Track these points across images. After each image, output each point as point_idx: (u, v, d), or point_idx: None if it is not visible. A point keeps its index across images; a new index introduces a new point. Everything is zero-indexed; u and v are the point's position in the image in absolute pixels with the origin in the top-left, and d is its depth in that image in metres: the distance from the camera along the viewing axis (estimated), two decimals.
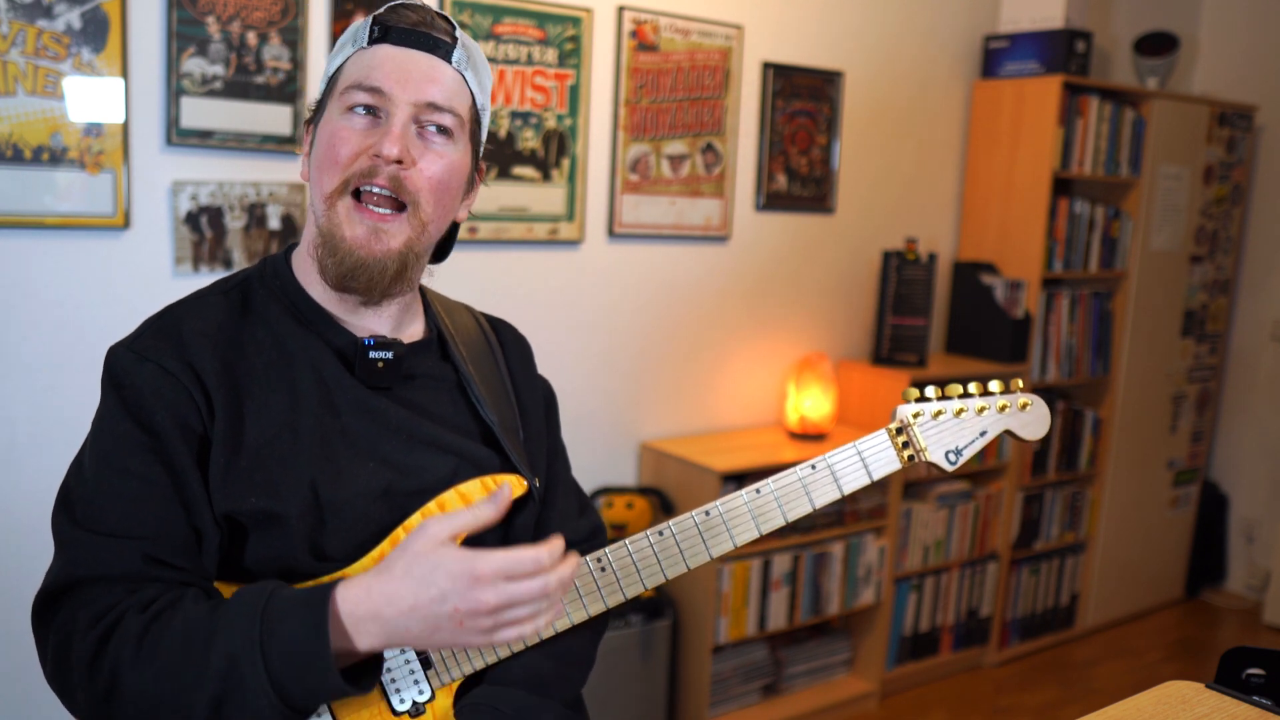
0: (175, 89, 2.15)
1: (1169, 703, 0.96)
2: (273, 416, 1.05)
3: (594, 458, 2.87)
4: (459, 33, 1.11)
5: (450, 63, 1.08)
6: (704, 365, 3.08)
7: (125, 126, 2.11)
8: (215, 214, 2.22)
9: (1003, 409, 1.18)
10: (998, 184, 3.53)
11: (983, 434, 1.17)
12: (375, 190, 1.05)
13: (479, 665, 1.08)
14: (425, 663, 1.06)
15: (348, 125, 1.05)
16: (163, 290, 2.19)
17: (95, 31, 2.05)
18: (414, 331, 1.18)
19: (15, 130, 2.00)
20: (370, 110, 1.05)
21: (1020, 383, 1.20)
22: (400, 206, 1.06)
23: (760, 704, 3.01)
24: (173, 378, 1.02)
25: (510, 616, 0.91)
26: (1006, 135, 3.49)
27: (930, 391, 1.17)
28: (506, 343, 1.30)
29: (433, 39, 1.07)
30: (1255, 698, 0.98)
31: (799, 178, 3.17)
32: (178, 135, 2.16)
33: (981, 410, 1.17)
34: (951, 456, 1.16)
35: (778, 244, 3.17)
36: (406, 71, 1.05)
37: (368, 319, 1.13)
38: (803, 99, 3.14)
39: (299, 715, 0.92)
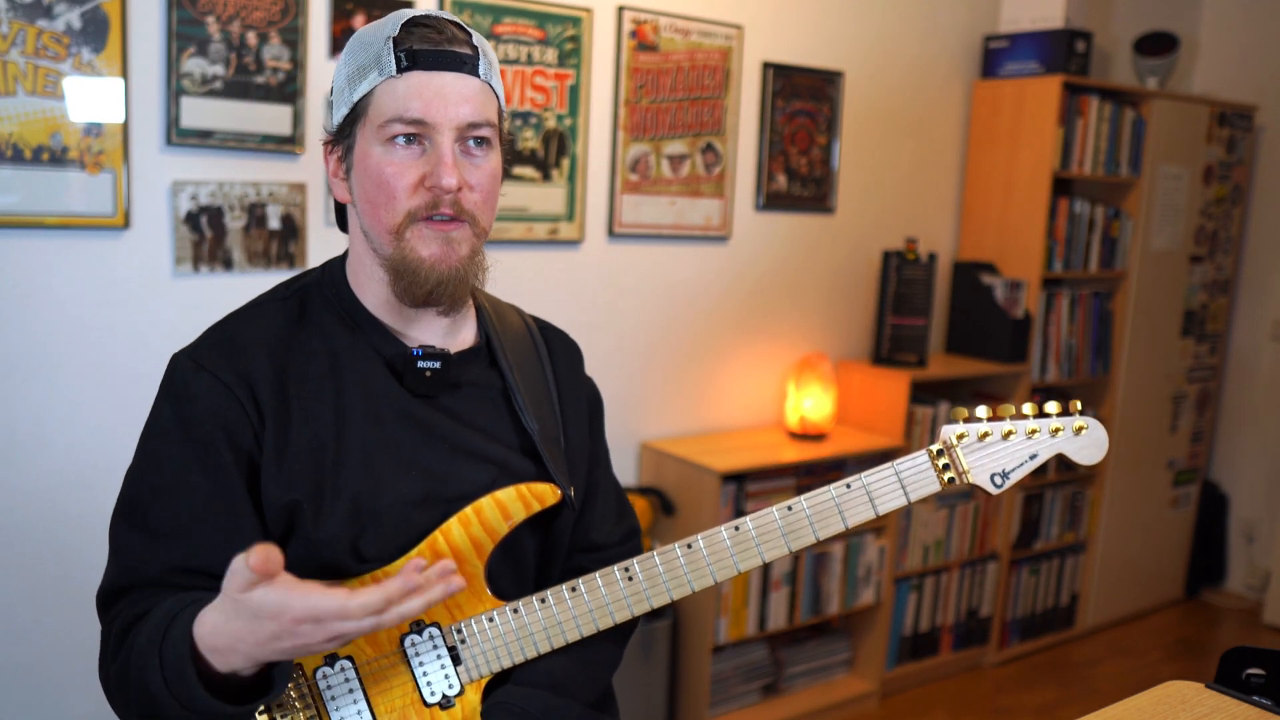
0: (175, 89, 2.15)
1: (1169, 703, 0.96)
2: (319, 426, 1.11)
3: None
4: (475, 38, 1.13)
5: (478, 76, 1.11)
6: (704, 365, 3.08)
7: (125, 126, 2.11)
8: (215, 214, 2.22)
9: (1056, 432, 1.14)
10: (998, 184, 3.54)
11: (1033, 457, 1.14)
12: (438, 218, 1.10)
13: (506, 664, 1.14)
14: (455, 658, 1.12)
15: (394, 159, 1.09)
16: (163, 290, 2.20)
17: (95, 31, 2.05)
18: (465, 338, 1.22)
19: (15, 130, 2.00)
20: (411, 139, 1.09)
21: (1079, 404, 1.16)
22: (459, 219, 1.12)
23: (760, 704, 3.01)
24: (226, 388, 1.08)
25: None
26: (1006, 135, 3.50)
27: (981, 411, 1.14)
28: (555, 349, 1.33)
29: (459, 57, 1.10)
30: (1255, 698, 0.98)
31: (799, 178, 3.17)
32: (178, 135, 2.16)
33: (1032, 433, 1.13)
34: (998, 479, 1.13)
35: (778, 244, 3.17)
36: (443, 98, 1.08)
37: (420, 328, 1.17)
38: (803, 99, 3.14)
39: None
